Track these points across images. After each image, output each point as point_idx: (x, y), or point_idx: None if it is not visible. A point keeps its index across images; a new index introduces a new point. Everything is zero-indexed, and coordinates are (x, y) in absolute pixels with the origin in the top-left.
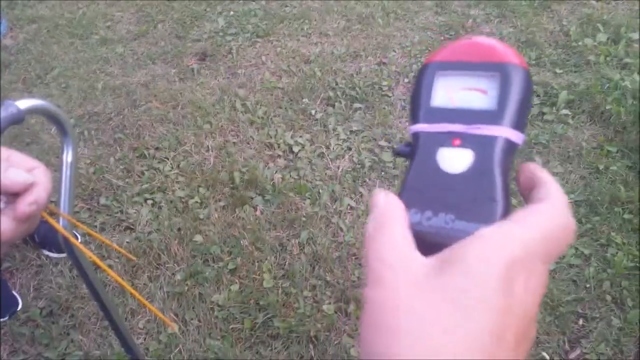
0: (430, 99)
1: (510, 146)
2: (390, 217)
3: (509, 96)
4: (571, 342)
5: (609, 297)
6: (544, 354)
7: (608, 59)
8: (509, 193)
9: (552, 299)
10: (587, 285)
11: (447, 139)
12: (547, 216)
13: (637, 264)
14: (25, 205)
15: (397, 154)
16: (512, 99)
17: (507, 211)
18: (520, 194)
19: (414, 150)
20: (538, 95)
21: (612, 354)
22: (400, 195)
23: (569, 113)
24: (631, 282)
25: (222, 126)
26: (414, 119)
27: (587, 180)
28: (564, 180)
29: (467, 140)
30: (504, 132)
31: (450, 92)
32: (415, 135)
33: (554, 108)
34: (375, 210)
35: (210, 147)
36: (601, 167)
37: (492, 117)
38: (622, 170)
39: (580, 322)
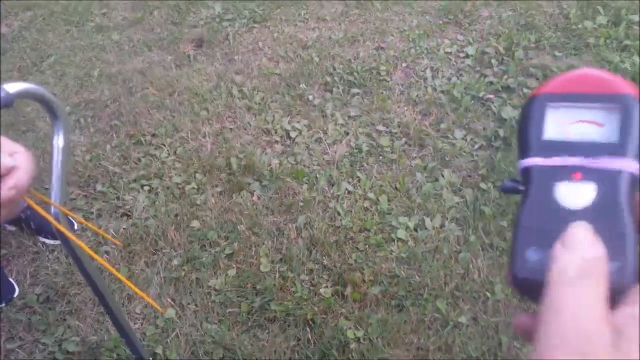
0: (542, 131)
1: (635, 180)
2: (597, 271)
3: (631, 129)
4: None
5: None
6: None
7: (608, 41)
8: (637, 227)
9: None
10: None
11: (565, 173)
12: None
13: None
14: (5, 189)
15: (505, 190)
16: (634, 131)
17: (637, 246)
18: None
19: (527, 186)
20: (537, 79)
21: None
22: (516, 234)
23: None
24: None
25: (219, 112)
26: (525, 153)
27: None
28: None
29: (588, 174)
30: (629, 165)
31: (564, 124)
32: (527, 170)
33: None
34: (581, 253)
35: (207, 134)
36: None
37: (614, 149)
38: None
39: None
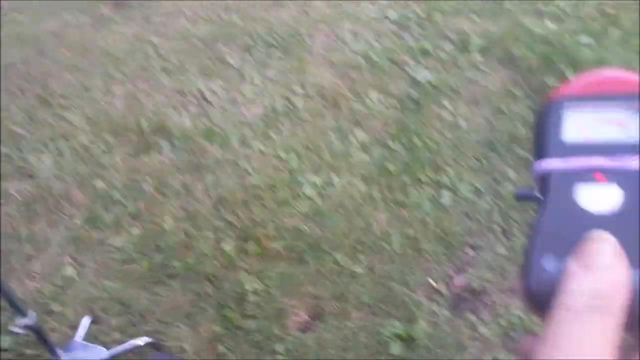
0: (561, 134)
1: None
2: (613, 303)
3: None
4: (458, 270)
5: (497, 228)
6: (430, 280)
7: (523, 7)
8: None
9: (444, 231)
10: (479, 218)
11: (587, 174)
12: None
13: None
14: None
15: (520, 198)
16: None
17: None
18: None
19: (546, 190)
20: (453, 42)
21: (494, 279)
22: (533, 240)
23: (481, 59)
24: (519, 214)
25: (133, 74)
26: (542, 155)
27: (491, 122)
28: (469, 123)
29: (612, 175)
30: None
31: (584, 127)
32: (545, 174)
33: (467, 54)
34: (596, 278)
35: (119, 95)
36: (505, 109)
37: (638, 148)
38: (525, 111)
39: (469, 251)
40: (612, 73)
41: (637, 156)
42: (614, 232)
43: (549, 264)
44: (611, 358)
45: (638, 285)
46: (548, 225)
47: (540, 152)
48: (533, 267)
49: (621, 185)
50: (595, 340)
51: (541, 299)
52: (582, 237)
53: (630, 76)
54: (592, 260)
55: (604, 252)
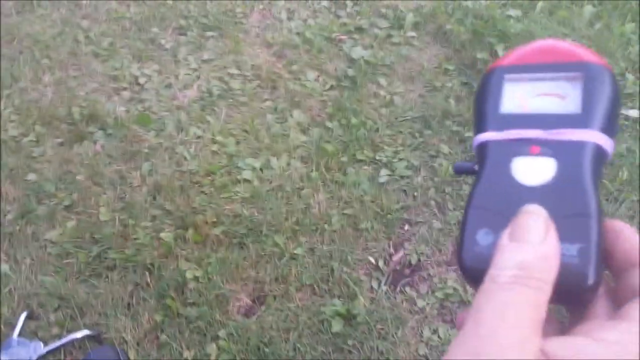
0: (499, 105)
1: (600, 154)
2: (540, 276)
3: (596, 97)
4: (396, 246)
5: (433, 203)
6: (370, 257)
7: None
8: (601, 207)
9: (382, 209)
10: (415, 194)
11: (523, 147)
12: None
13: None
14: None
15: (458, 171)
16: (600, 100)
17: (602, 228)
18: (607, 265)
19: (482, 163)
20: (387, 19)
21: (430, 253)
22: (467, 214)
23: (415, 35)
24: (453, 188)
25: (62, 60)
26: (480, 128)
27: (425, 98)
28: (404, 100)
29: (548, 148)
30: (594, 136)
31: (523, 98)
32: (482, 146)
33: (401, 31)
34: (526, 249)
35: (48, 83)
36: (438, 84)
37: (577, 120)
38: (457, 86)
39: (406, 227)
40: (556, 43)
41: (575, 128)
42: (547, 205)
43: (483, 238)
44: (534, 331)
45: (567, 259)
46: (483, 199)
47: (478, 124)
48: (467, 242)
49: (557, 158)
50: (518, 314)
51: (475, 273)
52: (516, 210)
53: (574, 46)
54: (522, 233)
55: (535, 226)
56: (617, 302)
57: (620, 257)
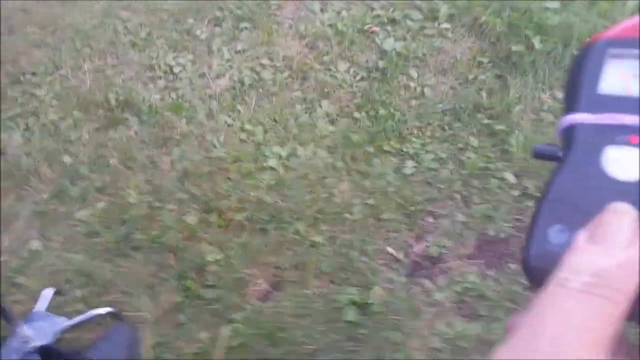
0: (597, 84)
1: None
2: (619, 285)
3: None
4: (417, 238)
5: (458, 196)
6: (389, 248)
7: None
8: None
9: (405, 200)
10: (440, 186)
11: (620, 134)
12: None
13: (488, 165)
14: None
15: (539, 155)
16: None
17: None
18: None
19: (567, 149)
20: (421, 10)
21: (452, 246)
22: (541, 207)
23: (449, 27)
24: (481, 181)
25: (101, 49)
26: (571, 108)
27: (456, 90)
28: (434, 92)
29: None
30: None
31: (626, 78)
32: (570, 129)
33: (435, 22)
34: (607, 254)
35: (87, 70)
36: (471, 77)
37: None
38: (491, 79)
39: (429, 219)
40: None
41: None
42: (638, 206)
43: (555, 235)
44: (600, 349)
45: None
46: (562, 190)
47: (570, 104)
48: (536, 238)
49: None
50: (586, 326)
51: (541, 274)
52: (600, 207)
53: None
54: (604, 234)
55: (621, 227)
56: None
57: None
